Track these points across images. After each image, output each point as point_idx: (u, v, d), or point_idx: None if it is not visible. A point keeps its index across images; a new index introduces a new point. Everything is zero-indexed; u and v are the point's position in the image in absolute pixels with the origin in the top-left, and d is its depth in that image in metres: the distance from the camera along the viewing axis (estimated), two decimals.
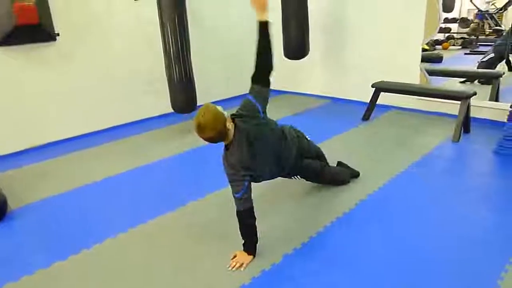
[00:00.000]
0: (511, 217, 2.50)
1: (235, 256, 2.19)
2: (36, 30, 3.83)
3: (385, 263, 2.12)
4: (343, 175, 3.02)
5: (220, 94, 5.81)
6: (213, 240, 2.42)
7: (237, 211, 2.20)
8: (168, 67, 4.20)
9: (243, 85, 6.16)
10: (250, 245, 2.20)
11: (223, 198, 2.83)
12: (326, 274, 2.06)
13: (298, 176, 2.72)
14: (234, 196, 2.18)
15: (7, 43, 3.73)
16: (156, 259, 2.28)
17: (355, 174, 3.10)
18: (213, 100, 5.66)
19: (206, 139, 2.07)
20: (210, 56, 5.47)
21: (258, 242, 2.22)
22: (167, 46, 4.10)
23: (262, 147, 2.26)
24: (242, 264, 2.14)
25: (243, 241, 2.20)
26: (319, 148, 2.88)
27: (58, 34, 4.03)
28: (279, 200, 2.82)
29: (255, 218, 2.19)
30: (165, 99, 4.52)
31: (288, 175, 2.67)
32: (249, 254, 2.19)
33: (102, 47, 4.47)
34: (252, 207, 2.19)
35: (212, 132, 2.02)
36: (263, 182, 2.48)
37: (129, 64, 4.72)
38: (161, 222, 2.65)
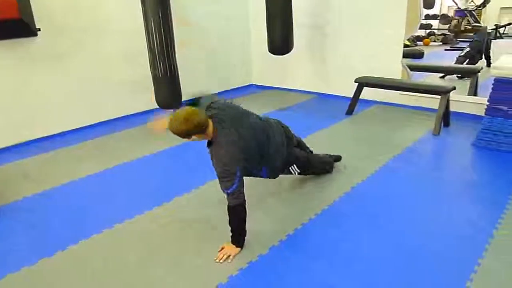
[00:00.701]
0: (486, 206, 2.60)
1: (222, 248, 2.22)
2: (17, 25, 3.77)
3: (369, 254, 2.18)
4: (329, 160, 3.12)
5: (208, 89, 5.80)
6: (200, 233, 2.45)
7: (228, 206, 2.18)
8: (153, 63, 4.18)
9: (229, 80, 6.21)
10: (239, 238, 2.23)
11: (209, 192, 2.86)
12: (311, 265, 2.11)
13: (294, 166, 2.76)
14: (225, 192, 2.16)
15: None
16: (144, 253, 2.29)
17: (337, 158, 3.24)
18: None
19: (178, 134, 2.08)
20: (195, 52, 5.46)
21: (246, 235, 2.26)
22: (151, 42, 4.08)
23: (248, 134, 2.28)
24: (230, 255, 2.17)
25: (231, 234, 2.23)
26: (300, 138, 2.96)
27: (39, 30, 3.97)
28: (264, 195, 2.86)
29: (246, 212, 2.21)
30: (149, 95, 4.51)
31: (286, 166, 2.69)
32: (236, 246, 2.22)
33: (84, 43, 4.41)
34: (245, 202, 2.19)
35: (183, 125, 2.04)
36: (250, 179, 2.50)
37: (112, 60, 4.68)
38: (148, 217, 2.65)
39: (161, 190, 3.03)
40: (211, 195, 2.78)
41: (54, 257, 2.28)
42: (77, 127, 4.55)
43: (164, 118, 2.42)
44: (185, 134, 2.09)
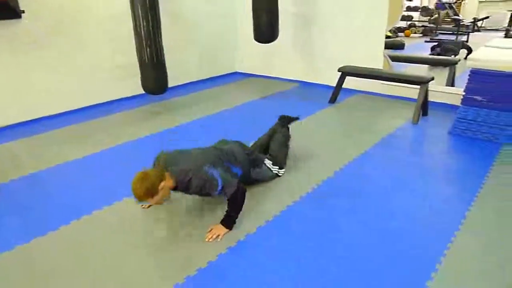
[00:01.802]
0: (460, 189, 2.78)
1: (211, 230, 2.31)
2: (1, 7, 3.71)
3: (350, 236, 2.31)
4: (283, 140, 3.12)
5: (192, 76, 5.84)
6: (188, 215, 2.53)
7: (238, 191, 2.31)
8: (139, 48, 4.19)
9: (214, 67, 6.23)
10: (230, 221, 2.33)
11: None
12: (295, 245, 2.22)
13: (267, 164, 2.87)
14: (217, 194, 2.28)
15: None
16: (132, 235, 2.36)
17: (294, 118, 3.34)
18: (185, 82, 5.70)
19: (145, 194, 2.12)
20: (182, 38, 5.47)
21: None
22: (138, 27, 4.09)
23: (200, 156, 2.41)
24: (219, 235, 2.27)
25: (224, 216, 2.33)
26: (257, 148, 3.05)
27: (23, 12, 3.91)
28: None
29: (243, 200, 2.35)
30: (135, 80, 4.52)
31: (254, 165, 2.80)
32: (226, 227, 2.32)
33: (69, 25, 4.37)
34: (239, 189, 2.32)
35: (143, 184, 2.10)
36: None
37: (98, 44, 4.65)
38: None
39: None
40: None
41: (46, 237, 2.32)
42: (63, 111, 4.53)
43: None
44: (151, 190, 2.12)
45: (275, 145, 3.05)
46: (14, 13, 3.82)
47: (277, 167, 2.93)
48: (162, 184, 2.16)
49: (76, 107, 4.64)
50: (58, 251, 2.22)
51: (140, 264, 2.10)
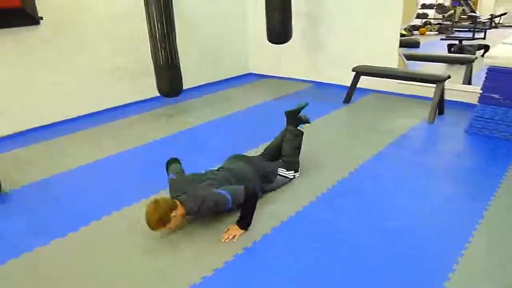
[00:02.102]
0: (477, 190, 2.74)
1: (228, 230, 2.33)
2: (19, 14, 3.81)
3: (361, 237, 2.31)
4: (296, 144, 3.00)
5: (206, 78, 5.89)
6: (202, 219, 2.56)
7: (253, 196, 2.35)
8: (154, 50, 4.24)
9: (228, 69, 6.26)
10: (245, 222, 2.35)
11: None
12: (310, 246, 2.23)
13: (283, 172, 2.87)
14: (230, 207, 2.32)
15: None
16: (150, 236, 2.40)
17: (303, 118, 3.13)
18: (199, 84, 5.74)
19: (159, 223, 2.18)
20: (195, 40, 5.52)
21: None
22: (153, 29, 4.14)
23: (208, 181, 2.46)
24: (235, 236, 2.29)
25: (239, 217, 2.35)
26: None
27: (41, 18, 4.01)
28: None
29: (255, 202, 2.38)
30: (150, 83, 4.58)
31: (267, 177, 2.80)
32: (241, 228, 2.34)
33: (86, 31, 4.46)
34: (252, 192, 2.34)
35: (156, 214, 2.16)
36: None
37: (113, 49, 4.72)
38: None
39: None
40: None
41: (51, 245, 2.38)
42: (76, 115, 4.60)
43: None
44: (164, 219, 2.18)
45: (288, 146, 2.96)
46: (32, 19, 3.91)
47: (293, 171, 2.93)
48: (174, 212, 2.22)
49: (89, 112, 4.70)
50: (68, 256, 2.25)
51: (156, 265, 2.13)
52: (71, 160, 3.50)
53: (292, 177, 2.92)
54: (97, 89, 4.69)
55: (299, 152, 3.01)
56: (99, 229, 2.48)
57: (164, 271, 2.08)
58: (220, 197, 2.29)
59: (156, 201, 2.21)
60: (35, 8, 3.93)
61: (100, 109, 4.78)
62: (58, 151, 3.76)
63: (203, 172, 2.62)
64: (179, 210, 2.27)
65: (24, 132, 4.21)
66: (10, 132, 4.14)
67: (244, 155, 2.92)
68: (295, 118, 3.06)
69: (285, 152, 2.96)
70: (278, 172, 2.84)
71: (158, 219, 2.16)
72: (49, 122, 4.39)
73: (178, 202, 2.30)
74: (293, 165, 2.94)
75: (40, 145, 3.90)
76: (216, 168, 2.72)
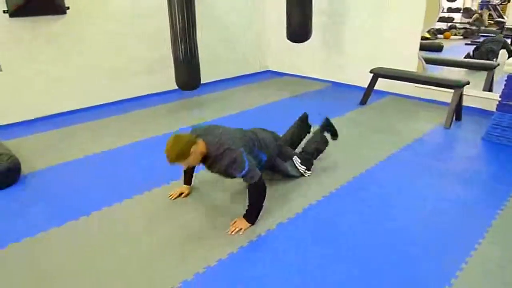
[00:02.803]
0: (488, 197, 2.71)
1: (235, 222, 2.38)
2: (48, 2, 3.94)
3: (366, 237, 2.33)
4: (320, 148, 3.14)
5: (225, 73, 5.94)
6: (211, 211, 2.62)
7: (249, 185, 2.36)
8: (174, 43, 4.32)
9: (247, 66, 6.30)
10: (252, 214, 2.39)
11: (211, 180, 2.97)
12: (312, 243, 2.26)
13: (297, 162, 2.93)
14: (240, 176, 2.32)
15: (19, 14, 3.85)
16: (160, 226, 2.47)
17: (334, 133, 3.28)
18: (218, 79, 5.80)
19: (177, 157, 2.22)
20: (214, 36, 5.58)
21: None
22: (174, 22, 4.22)
23: (233, 133, 2.48)
24: (241, 229, 2.34)
25: (246, 209, 2.39)
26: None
27: (68, 8, 4.13)
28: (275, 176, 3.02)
29: (264, 191, 2.40)
30: (169, 76, 4.67)
31: (283, 158, 2.87)
32: (248, 222, 2.38)
33: (110, 22, 4.57)
34: (261, 179, 2.35)
35: (176, 146, 2.20)
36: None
37: (135, 41, 4.84)
38: (160, 192, 2.83)
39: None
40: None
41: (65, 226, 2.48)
42: (96, 104, 4.75)
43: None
44: (183, 152, 2.21)
45: (313, 146, 3.09)
46: (60, 9, 4.05)
47: (304, 167, 2.97)
48: (194, 147, 2.25)
49: (107, 101, 4.84)
50: (96, 231, 2.36)
51: (162, 254, 2.20)
52: (89, 146, 3.63)
53: (302, 172, 2.96)
54: (118, 80, 4.82)
55: (318, 155, 3.12)
56: (104, 217, 2.56)
57: (169, 260, 2.15)
58: (241, 159, 2.29)
59: (177, 135, 2.26)
60: None
61: (117, 99, 4.92)
62: (79, 136, 3.91)
63: (233, 128, 2.63)
64: (199, 147, 2.29)
65: (49, 117, 4.38)
66: (32, 117, 4.31)
67: (270, 131, 2.94)
68: (330, 127, 3.26)
69: (307, 149, 3.07)
70: (293, 159, 2.91)
71: (178, 152, 2.19)
72: (66, 110, 4.53)
73: (201, 141, 2.32)
74: (309, 163, 3.01)
75: (57, 131, 4.04)
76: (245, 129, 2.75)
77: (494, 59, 6.21)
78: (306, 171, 2.98)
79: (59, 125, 4.18)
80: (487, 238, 2.26)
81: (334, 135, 3.26)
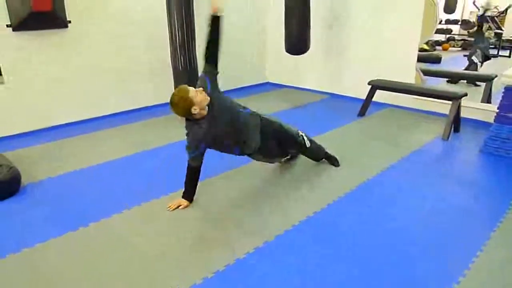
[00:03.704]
0: (487, 209, 2.72)
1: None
2: (50, 17, 4.00)
3: (372, 242, 2.33)
4: (323, 155, 3.38)
5: (224, 85, 5.97)
6: (210, 221, 2.63)
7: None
8: (173, 55, 4.37)
9: (245, 78, 6.33)
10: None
11: (212, 186, 3.03)
12: (317, 249, 2.27)
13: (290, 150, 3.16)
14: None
15: (23, 28, 3.91)
16: (159, 237, 2.48)
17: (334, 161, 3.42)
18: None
19: (183, 106, 2.50)
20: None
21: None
22: (173, 34, 4.27)
23: (222, 115, 2.77)
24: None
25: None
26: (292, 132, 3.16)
27: (70, 22, 4.20)
28: (279, 180, 3.04)
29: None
30: (167, 88, 4.70)
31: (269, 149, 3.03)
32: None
33: (110, 36, 4.63)
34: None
35: (180, 110, 2.53)
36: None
37: (135, 53, 4.89)
38: (159, 203, 2.83)
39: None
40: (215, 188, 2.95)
41: (64, 237, 2.49)
42: (99, 115, 4.79)
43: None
44: (188, 102, 2.47)
45: (310, 156, 3.34)
46: (62, 23, 4.11)
47: (306, 138, 3.14)
48: (193, 93, 2.52)
49: (107, 113, 4.88)
50: (97, 243, 2.37)
51: (161, 263, 2.20)
52: (93, 156, 3.67)
53: (302, 137, 3.12)
54: (119, 91, 4.88)
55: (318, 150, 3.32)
56: (103, 227, 2.57)
57: (178, 265, 2.15)
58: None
59: (182, 86, 2.57)
60: (65, 12, 4.12)
61: (122, 110, 4.97)
62: (84, 146, 3.96)
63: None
64: (203, 99, 2.56)
65: (56, 127, 4.44)
66: (33, 128, 4.33)
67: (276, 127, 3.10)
68: (328, 157, 3.41)
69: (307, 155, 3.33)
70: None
71: (185, 100, 2.47)
72: (68, 121, 4.56)
73: (203, 111, 2.58)
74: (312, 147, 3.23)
75: (57, 143, 4.05)
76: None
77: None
78: (306, 141, 3.14)
79: (59, 136, 4.20)
80: (485, 251, 2.26)
81: (333, 163, 3.40)
